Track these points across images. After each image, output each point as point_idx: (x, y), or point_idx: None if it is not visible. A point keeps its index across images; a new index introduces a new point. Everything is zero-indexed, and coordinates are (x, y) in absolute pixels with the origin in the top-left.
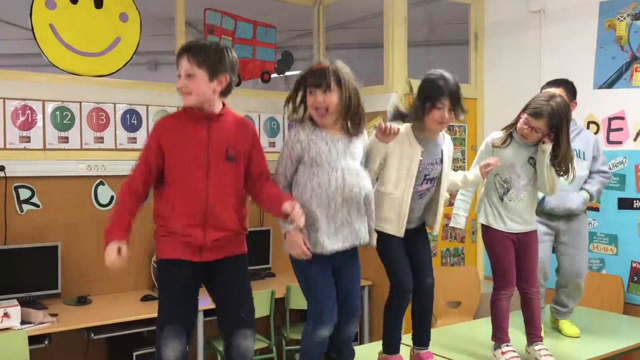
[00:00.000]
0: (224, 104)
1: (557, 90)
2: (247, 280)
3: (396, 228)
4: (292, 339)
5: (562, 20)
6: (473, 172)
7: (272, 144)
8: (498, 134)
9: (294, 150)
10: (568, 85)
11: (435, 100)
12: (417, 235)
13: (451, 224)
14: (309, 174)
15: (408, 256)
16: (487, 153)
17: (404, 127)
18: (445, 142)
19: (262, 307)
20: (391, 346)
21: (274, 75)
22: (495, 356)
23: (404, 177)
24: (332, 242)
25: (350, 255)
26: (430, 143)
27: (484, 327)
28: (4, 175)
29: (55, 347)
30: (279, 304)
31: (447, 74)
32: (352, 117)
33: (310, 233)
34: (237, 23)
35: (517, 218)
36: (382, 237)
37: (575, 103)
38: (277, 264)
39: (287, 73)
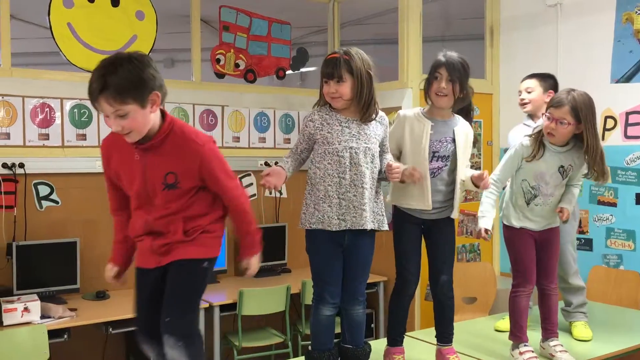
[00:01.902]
0: (165, 115)
1: (531, 82)
2: (188, 285)
3: (422, 202)
4: (308, 334)
5: (578, 14)
6: (468, 174)
7: (287, 141)
8: (526, 141)
9: (307, 128)
10: (545, 77)
11: (433, 71)
12: (439, 228)
13: (478, 226)
14: (322, 153)
15: (428, 249)
16: (517, 160)
17: (413, 110)
18: (460, 124)
19: (277, 302)
20: (393, 338)
21: (289, 71)
22: (513, 356)
23: (418, 151)
24: (340, 222)
25: (361, 238)
26: (439, 122)
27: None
28: (23, 172)
29: (74, 341)
30: (295, 300)
31: (451, 52)
32: (365, 103)
33: (320, 210)
34: (252, 20)
35: (541, 219)
36: (402, 219)
37: (551, 93)
38: (293, 259)
39: (302, 69)
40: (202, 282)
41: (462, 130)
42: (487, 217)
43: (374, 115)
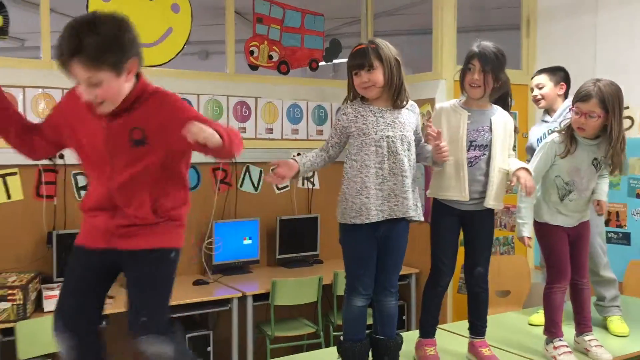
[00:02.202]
0: (139, 76)
1: (540, 77)
2: (161, 279)
3: (458, 192)
4: (339, 324)
5: (618, 4)
6: (513, 166)
7: (320, 132)
8: (557, 137)
9: (340, 122)
10: (554, 71)
11: (466, 62)
12: (478, 220)
13: (518, 235)
14: (358, 145)
15: (465, 240)
16: (550, 159)
17: (449, 102)
18: (497, 114)
19: (309, 293)
20: (424, 329)
21: (322, 63)
22: (547, 350)
23: (456, 141)
24: (378, 212)
25: (397, 229)
26: (476, 112)
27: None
28: (63, 162)
29: (112, 328)
30: (327, 291)
31: (485, 42)
32: (396, 89)
33: (357, 202)
34: (285, 12)
35: (575, 214)
36: (440, 210)
37: (563, 85)
38: (325, 250)
39: (335, 61)
40: (173, 274)
41: (500, 119)
42: (528, 223)
43: (405, 102)
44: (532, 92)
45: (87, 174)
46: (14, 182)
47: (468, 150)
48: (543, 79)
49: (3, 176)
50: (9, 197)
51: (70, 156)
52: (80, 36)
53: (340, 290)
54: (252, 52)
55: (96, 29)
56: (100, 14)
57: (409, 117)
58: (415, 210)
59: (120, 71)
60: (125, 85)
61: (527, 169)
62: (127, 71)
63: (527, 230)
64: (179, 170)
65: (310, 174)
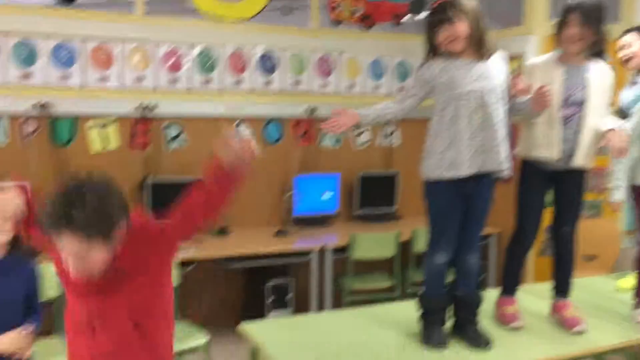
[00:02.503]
0: None
1: (627, 37)
2: None
3: (550, 150)
4: (416, 281)
5: None
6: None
7: (402, 89)
8: None
9: (424, 75)
10: None
11: (563, 16)
12: (568, 178)
13: (612, 199)
14: (446, 99)
15: (554, 199)
16: None
17: (542, 58)
18: (594, 69)
19: (387, 248)
20: (505, 287)
21: (405, 18)
22: (635, 315)
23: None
24: (470, 165)
25: (484, 185)
26: (572, 67)
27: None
28: (153, 115)
29: (197, 273)
30: (404, 247)
31: None
32: (480, 40)
33: (447, 157)
34: None
35: None
36: (529, 169)
37: None
38: (404, 207)
39: (419, 16)
40: None
41: (597, 75)
42: (622, 186)
43: (491, 52)
44: (620, 53)
45: (69, 297)
46: (111, 133)
47: (563, 107)
48: (630, 37)
49: (101, 126)
50: (105, 146)
51: (159, 108)
52: (68, 209)
53: (419, 247)
54: (335, 7)
55: (84, 201)
56: (84, 183)
57: (498, 67)
58: (507, 163)
59: (110, 240)
60: (113, 252)
61: (619, 130)
62: (116, 237)
63: (620, 194)
64: (165, 294)
65: (391, 130)
